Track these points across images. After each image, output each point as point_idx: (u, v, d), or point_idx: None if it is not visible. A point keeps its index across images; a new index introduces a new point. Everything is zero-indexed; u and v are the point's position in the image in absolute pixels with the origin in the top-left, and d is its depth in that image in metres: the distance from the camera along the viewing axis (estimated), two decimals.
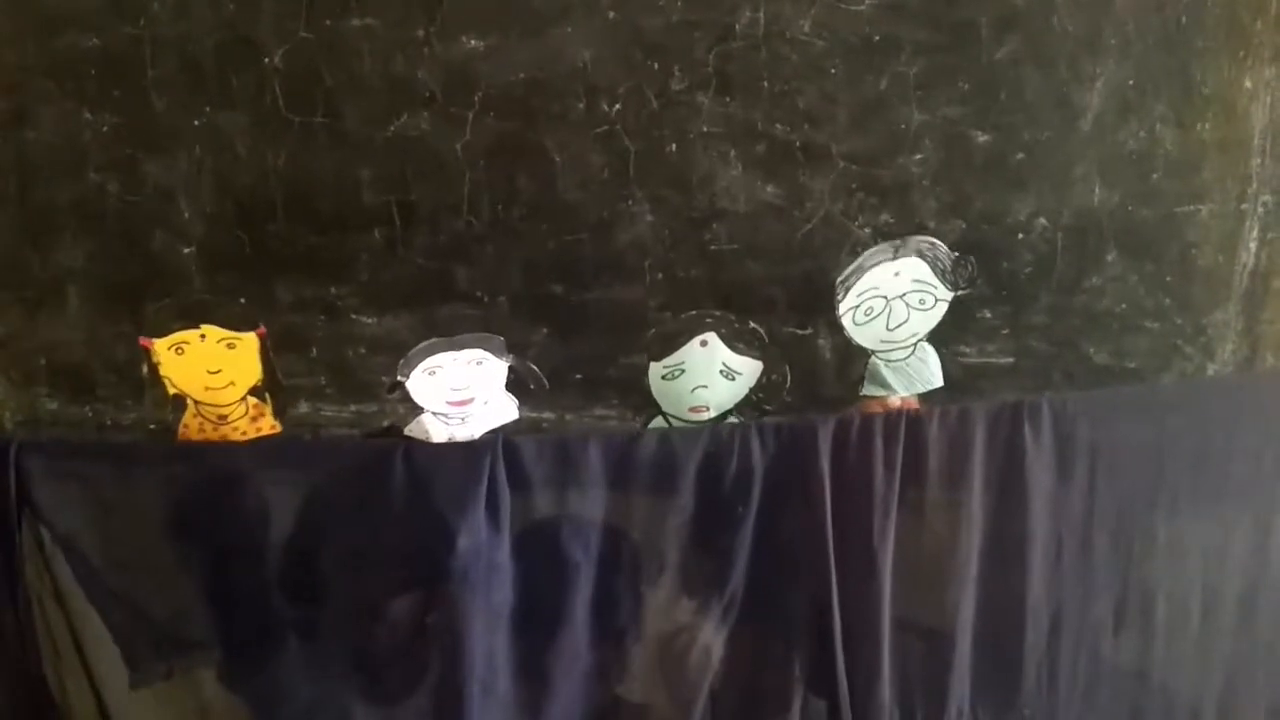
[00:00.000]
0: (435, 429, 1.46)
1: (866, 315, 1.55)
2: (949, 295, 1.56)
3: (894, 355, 1.59)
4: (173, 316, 1.51)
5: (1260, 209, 1.93)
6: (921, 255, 1.53)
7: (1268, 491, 1.72)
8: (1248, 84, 1.86)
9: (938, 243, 1.53)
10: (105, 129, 1.68)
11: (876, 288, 1.53)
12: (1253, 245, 1.94)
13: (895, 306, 1.55)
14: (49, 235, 1.72)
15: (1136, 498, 1.65)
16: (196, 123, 1.68)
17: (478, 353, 1.46)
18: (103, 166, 1.69)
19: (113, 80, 1.66)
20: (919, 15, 1.74)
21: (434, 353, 1.42)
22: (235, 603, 1.53)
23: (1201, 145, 1.88)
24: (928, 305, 1.56)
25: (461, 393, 1.47)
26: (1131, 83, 1.82)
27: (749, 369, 1.55)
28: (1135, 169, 1.87)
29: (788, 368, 1.61)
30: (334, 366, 1.79)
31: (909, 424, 1.53)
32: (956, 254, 1.53)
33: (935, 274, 1.54)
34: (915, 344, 1.59)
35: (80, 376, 1.77)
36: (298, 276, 1.75)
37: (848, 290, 1.53)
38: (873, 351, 1.59)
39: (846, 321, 1.55)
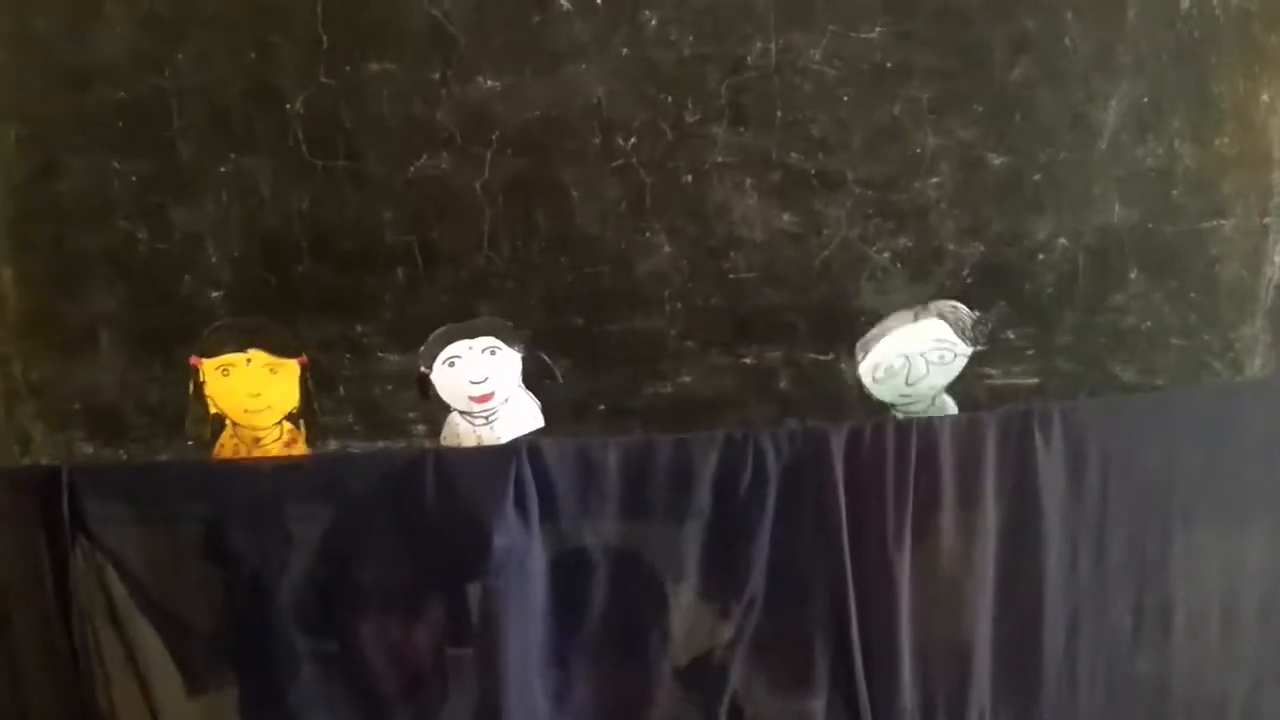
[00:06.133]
0: (464, 430, 1.49)
1: (887, 373, 1.57)
2: (968, 350, 1.58)
3: (913, 408, 1.61)
4: (226, 338, 1.56)
5: None
6: (943, 316, 1.55)
7: None
8: (1265, 97, 1.84)
9: (959, 305, 1.56)
10: (134, 178, 1.72)
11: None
12: (1277, 259, 1.92)
13: (915, 363, 1.58)
14: (81, 282, 1.76)
15: (1151, 504, 1.64)
16: (222, 169, 1.72)
17: (491, 340, 1.49)
18: (132, 214, 1.73)
19: (140, 130, 1.70)
20: (930, 40, 1.74)
21: (450, 340, 1.46)
22: (261, 630, 1.55)
23: (1221, 160, 1.86)
24: (947, 360, 1.59)
25: (481, 386, 1.50)
26: (1147, 100, 1.81)
27: None
28: (1155, 186, 1.85)
29: None
30: (361, 403, 1.81)
31: (921, 431, 1.54)
32: (977, 313, 1.54)
33: (956, 332, 1.56)
34: (934, 397, 1.61)
35: (114, 420, 1.80)
36: (323, 316, 1.77)
37: (867, 352, 1.55)
38: (891, 405, 1.60)
39: (866, 380, 1.57)
